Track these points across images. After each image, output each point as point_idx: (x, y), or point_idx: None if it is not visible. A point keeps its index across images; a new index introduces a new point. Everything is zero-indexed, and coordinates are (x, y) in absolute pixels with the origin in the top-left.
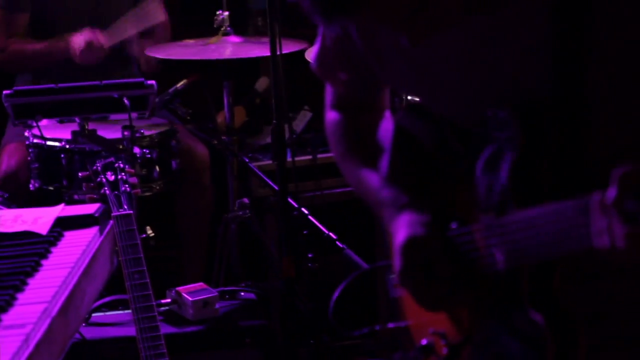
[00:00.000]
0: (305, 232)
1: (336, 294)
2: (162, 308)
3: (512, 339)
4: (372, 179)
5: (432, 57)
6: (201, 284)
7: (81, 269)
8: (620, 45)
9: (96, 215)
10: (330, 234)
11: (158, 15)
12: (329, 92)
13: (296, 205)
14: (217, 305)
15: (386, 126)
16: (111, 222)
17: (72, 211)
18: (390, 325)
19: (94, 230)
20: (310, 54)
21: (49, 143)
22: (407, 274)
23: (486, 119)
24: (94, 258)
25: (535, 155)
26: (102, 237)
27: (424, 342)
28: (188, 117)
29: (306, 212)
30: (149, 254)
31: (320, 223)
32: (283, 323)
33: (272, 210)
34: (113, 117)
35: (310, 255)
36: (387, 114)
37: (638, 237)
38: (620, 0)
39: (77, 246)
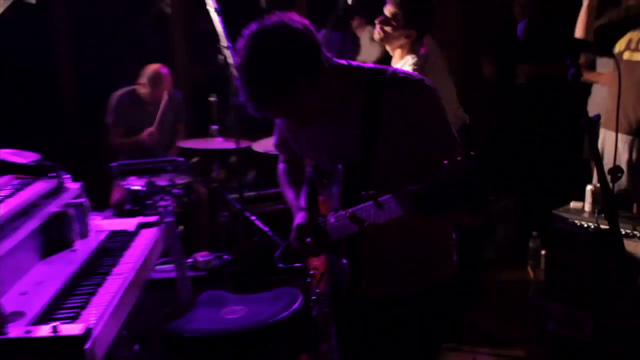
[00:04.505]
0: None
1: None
2: None
3: (340, 269)
4: (291, 195)
5: (311, 136)
6: None
7: (149, 247)
8: (395, 139)
9: (155, 221)
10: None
11: None
12: (280, 155)
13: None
14: None
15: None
16: (164, 225)
17: (145, 219)
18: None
19: (154, 230)
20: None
21: (134, 187)
22: (296, 241)
23: (335, 169)
24: (155, 244)
25: (351, 185)
26: (159, 233)
27: (311, 272)
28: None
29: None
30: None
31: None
32: None
33: None
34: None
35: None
36: (308, 169)
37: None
38: (398, 121)
39: (147, 238)
